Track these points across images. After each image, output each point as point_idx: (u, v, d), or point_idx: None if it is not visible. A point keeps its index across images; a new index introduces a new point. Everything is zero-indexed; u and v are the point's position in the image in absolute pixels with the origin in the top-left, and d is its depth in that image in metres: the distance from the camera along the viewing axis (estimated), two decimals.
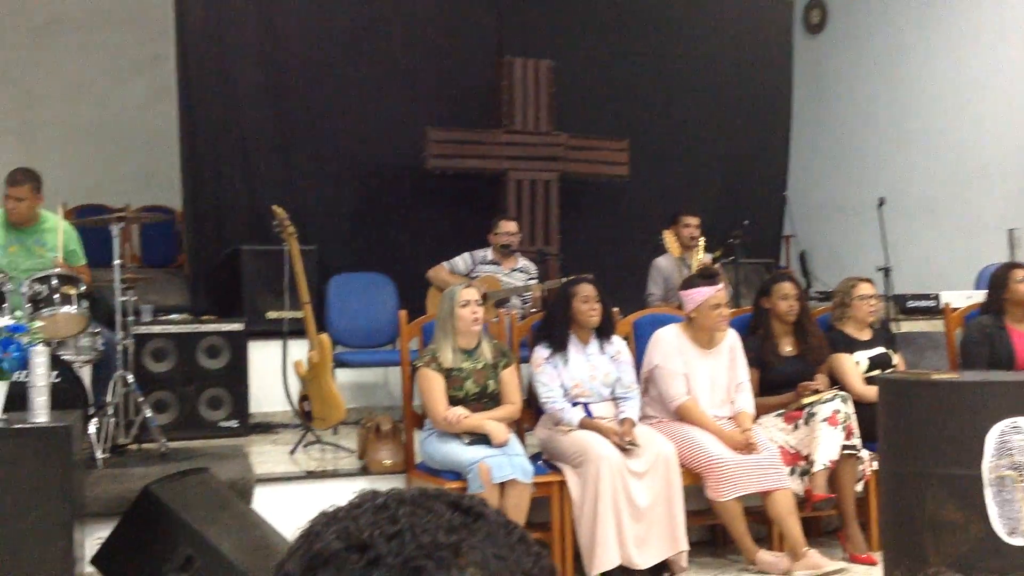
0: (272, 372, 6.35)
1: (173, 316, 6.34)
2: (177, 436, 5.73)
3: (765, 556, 4.75)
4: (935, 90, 8.76)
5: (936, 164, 8.69)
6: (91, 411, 5.05)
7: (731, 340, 5.12)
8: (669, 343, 5.03)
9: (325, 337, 5.63)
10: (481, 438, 4.62)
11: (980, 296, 5.82)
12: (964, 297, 6.11)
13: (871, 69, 9.31)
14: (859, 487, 5.03)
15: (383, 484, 5.11)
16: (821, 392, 5.09)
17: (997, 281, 5.51)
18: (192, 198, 7.41)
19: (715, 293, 4.98)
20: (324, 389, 5.51)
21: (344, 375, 6.49)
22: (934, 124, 8.76)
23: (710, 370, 5.04)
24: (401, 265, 7.20)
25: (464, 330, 4.78)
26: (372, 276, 7.10)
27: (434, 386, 4.71)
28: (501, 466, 4.50)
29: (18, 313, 4.30)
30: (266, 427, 6.50)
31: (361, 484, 4.98)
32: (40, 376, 4.09)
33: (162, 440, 5.20)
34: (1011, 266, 5.63)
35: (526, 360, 5.21)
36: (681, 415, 4.96)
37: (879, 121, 9.23)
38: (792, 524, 4.74)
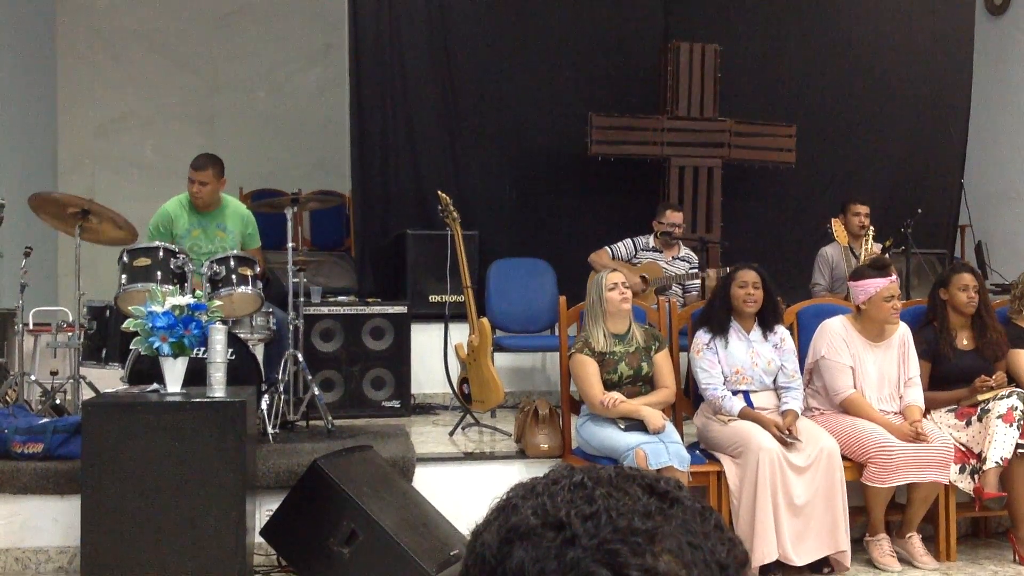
0: (433, 354, 6.49)
1: (340, 298, 6.56)
2: (342, 414, 5.94)
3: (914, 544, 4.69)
4: None
5: None
6: (264, 388, 5.28)
7: (902, 333, 4.95)
8: (836, 334, 4.90)
9: (485, 321, 5.72)
10: (637, 424, 4.61)
11: None
12: None
13: None
14: None
15: (540, 468, 5.22)
16: (997, 388, 4.87)
17: None
18: (361, 183, 7.63)
19: (888, 285, 4.83)
20: (483, 372, 5.61)
21: (503, 359, 6.58)
22: None
23: (879, 363, 4.89)
24: (561, 251, 7.24)
25: (613, 312, 4.78)
26: (532, 262, 7.16)
27: (588, 371, 4.73)
28: (658, 452, 4.48)
29: (198, 293, 4.53)
30: (427, 408, 6.65)
31: (518, 468, 5.10)
32: (218, 353, 4.30)
33: (328, 418, 5.39)
34: None
35: (685, 349, 5.16)
36: (846, 408, 4.83)
37: None
38: (920, 510, 4.74)
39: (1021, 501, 4.79)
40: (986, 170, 9.24)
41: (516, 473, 5.05)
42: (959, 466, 4.75)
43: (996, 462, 4.67)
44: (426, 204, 7.35)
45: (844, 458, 4.65)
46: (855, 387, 4.84)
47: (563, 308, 5.24)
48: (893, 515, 4.82)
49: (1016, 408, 4.72)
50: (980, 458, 4.74)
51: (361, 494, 4.16)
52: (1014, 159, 9.08)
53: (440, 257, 6.24)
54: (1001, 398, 4.78)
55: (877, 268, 4.90)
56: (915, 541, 4.73)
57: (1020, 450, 4.70)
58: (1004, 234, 8.87)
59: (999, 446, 4.68)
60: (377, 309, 6.46)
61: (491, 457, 5.21)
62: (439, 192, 5.95)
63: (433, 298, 6.88)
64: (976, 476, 4.74)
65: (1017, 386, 4.93)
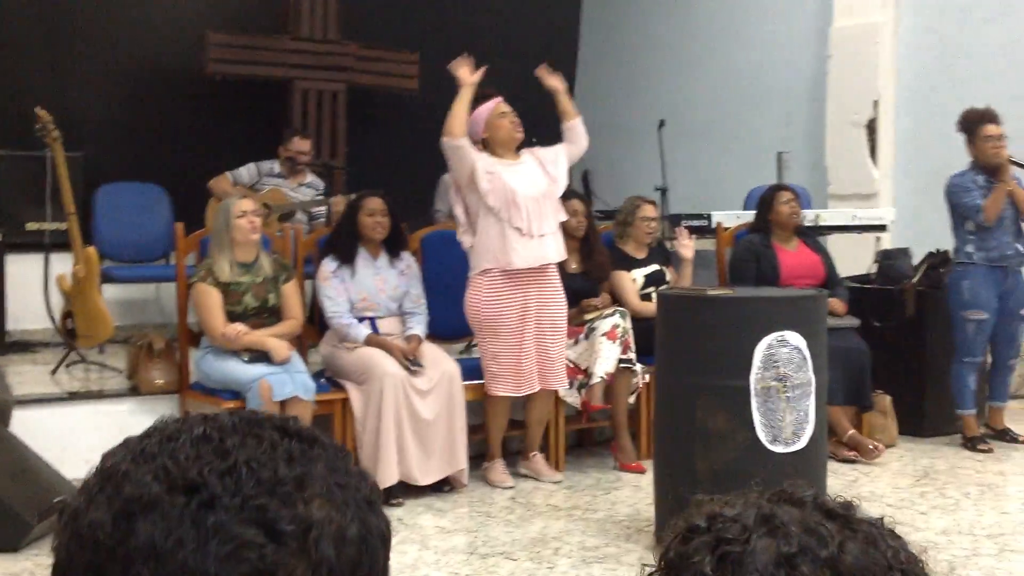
0: (32, 287, 5.92)
1: None
2: None
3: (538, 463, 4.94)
4: (714, 13, 9.01)
5: (713, 88, 8.97)
6: None
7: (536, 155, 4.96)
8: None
9: (92, 250, 5.30)
10: (261, 355, 4.49)
11: (748, 216, 6.07)
12: (734, 217, 6.35)
13: None
14: (632, 399, 5.21)
15: (155, 405, 4.92)
16: (602, 308, 5.22)
17: (764, 202, 5.76)
18: None
19: (495, 104, 4.91)
20: (90, 305, 5.20)
21: (112, 291, 6.14)
22: (712, 49, 9.02)
23: (523, 176, 4.82)
24: (178, 176, 6.84)
25: (242, 242, 4.60)
26: (145, 186, 6.74)
27: (211, 301, 4.52)
28: (282, 383, 4.39)
29: None
30: (24, 346, 6.10)
31: (130, 405, 4.81)
32: None
33: None
34: (777, 188, 5.89)
35: (311, 276, 5.08)
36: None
37: (662, 44, 9.42)
38: (537, 431, 5.02)
39: (622, 412, 5.19)
40: (593, 104, 9.82)
41: (128, 411, 4.77)
42: (569, 381, 5.05)
43: (601, 377, 5.02)
44: (22, 121, 6.62)
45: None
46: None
47: (180, 236, 4.97)
48: (513, 432, 5.06)
49: (619, 326, 5.09)
50: (587, 374, 5.07)
51: None
52: (618, 94, 9.71)
53: (38, 180, 5.69)
54: (605, 317, 5.12)
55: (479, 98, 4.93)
56: (538, 459, 5.00)
57: (622, 365, 5.09)
58: (608, 163, 9.49)
59: (604, 362, 5.03)
60: None
61: (100, 396, 4.91)
62: (36, 109, 5.41)
63: (31, 226, 6.26)
64: (583, 391, 5.07)
65: (620, 306, 5.30)
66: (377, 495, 0.78)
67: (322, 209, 6.46)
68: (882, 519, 0.79)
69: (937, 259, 5.95)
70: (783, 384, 3.78)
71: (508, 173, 4.77)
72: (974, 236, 5.52)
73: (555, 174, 4.89)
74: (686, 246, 5.59)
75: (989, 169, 5.46)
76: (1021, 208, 5.51)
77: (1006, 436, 5.61)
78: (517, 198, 4.69)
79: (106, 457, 0.74)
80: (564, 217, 4.92)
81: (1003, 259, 5.51)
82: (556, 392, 4.97)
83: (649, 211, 5.62)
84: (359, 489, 0.75)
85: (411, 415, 4.63)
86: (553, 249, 4.81)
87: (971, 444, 5.49)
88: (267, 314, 4.67)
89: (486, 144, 4.85)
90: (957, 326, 5.56)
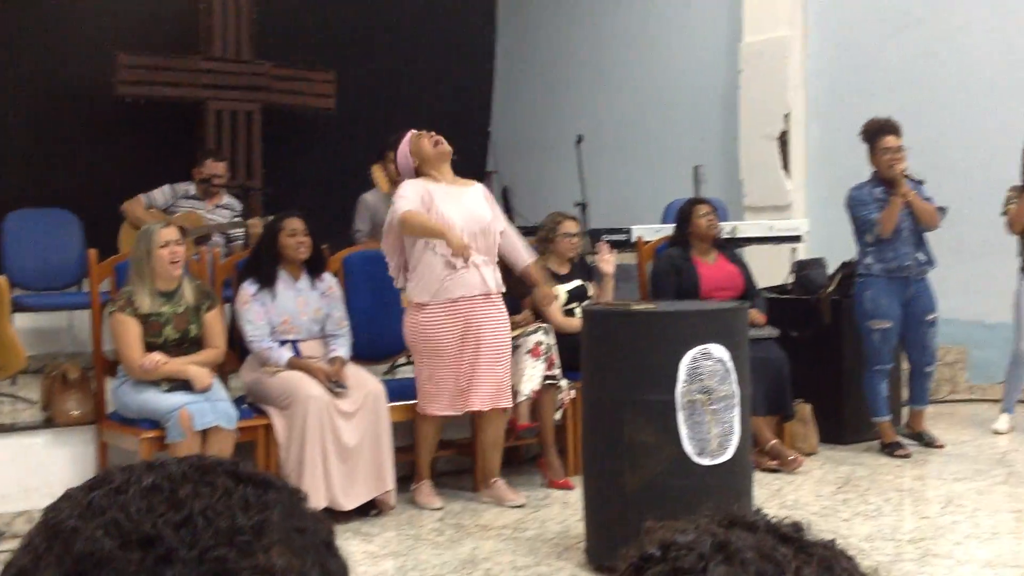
0: None
1: None
2: None
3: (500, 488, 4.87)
4: (628, 30, 9.12)
5: (629, 104, 9.07)
6: None
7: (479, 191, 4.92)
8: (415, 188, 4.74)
9: (2, 279, 5.14)
10: (181, 384, 4.39)
11: (668, 230, 6.14)
12: (654, 231, 6.41)
13: (570, 8, 9.55)
14: (558, 415, 5.22)
15: (71, 437, 4.79)
16: (524, 325, 5.22)
17: (683, 216, 5.83)
18: None
19: (408, 135, 4.82)
20: (0, 336, 5.04)
21: (23, 320, 5.96)
22: (627, 65, 9.13)
23: (464, 204, 4.76)
24: (90, 200, 6.67)
25: (163, 272, 4.50)
26: (55, 212, 6.56)
27: (129, 334, 4.41)
28: (203, 412, 4.31)
29: None
30: None
31: (45, 438, 4.68)
32: None
33: None
34: (695, 201, 5.97)
35: (230, 300, 4.99)
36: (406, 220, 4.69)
37: (578, 60, 9.50)
38: (493, 455, 4.92)
39: (549, 429, 5.19)
40: (511, 120, 9.86)
41: (43, 444, 4.63)
42: None
43: (527, 394, 5.02)
44: None
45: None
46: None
47: (93, 262, 4.85)
48: (441, 453, 5.02)
49: (543, 343, 5.09)
50: (513, 392, 5.06)
51: None
52: (536, 110, 9.77)
53: None
54: (528, 334, 5.12)
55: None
56: (500, 484, 4.91)
57: (548, 381, 5.09)
58: (528, 180, 9.53)
59: (529, 379, 5.03)
60: None
61: (12, 429, 4.75)
62: None
63: None
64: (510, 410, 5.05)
65: (543, 322, 5.31)
66: (333, 537, 0.76)
67: (240, 231, 6.36)
68: (833, 541, 0.79)
69: (851, 268, 6.07)
70: (708, 397, 3.82)
71: (448, 201, 4.68)
72: (873, 248, 5.63)
73: (495, 212, 4.88)
74: (607, 261, 5.63)
75: (887, 181, 5.58)
76: (920, 218, 5.61)
77: (924, 439, 5.74)
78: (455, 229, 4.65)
79: (50, 512, 0.70)
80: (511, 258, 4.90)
81: (902, 269, 5.62)
82: (505, 412, 4.91)
83: (570, 227, 5.65)
84: (317, 533, 0.73)
85: (335, 439, 4.57)
86: (492, 279, 4.75)
87: (889, 450, 5.61)
88: (187, 344, 4.57)
89: (419, 172, 4.81)
90: (864, 336, 5.68)
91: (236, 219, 6.40)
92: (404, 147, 4.81)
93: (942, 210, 5.67)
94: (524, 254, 4.98)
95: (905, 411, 5.97)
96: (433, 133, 4.81)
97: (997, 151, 6.77)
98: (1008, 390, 6.07)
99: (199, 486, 0.70)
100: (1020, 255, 5.93)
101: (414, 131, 4.84)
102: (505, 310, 4.86)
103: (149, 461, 0.75)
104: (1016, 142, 6.06)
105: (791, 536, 0.78)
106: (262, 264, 4.80)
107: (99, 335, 4.76)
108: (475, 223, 4.71)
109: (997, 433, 5.97)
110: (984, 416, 6.39)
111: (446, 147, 4.79)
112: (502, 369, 4.78)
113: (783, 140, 7.89)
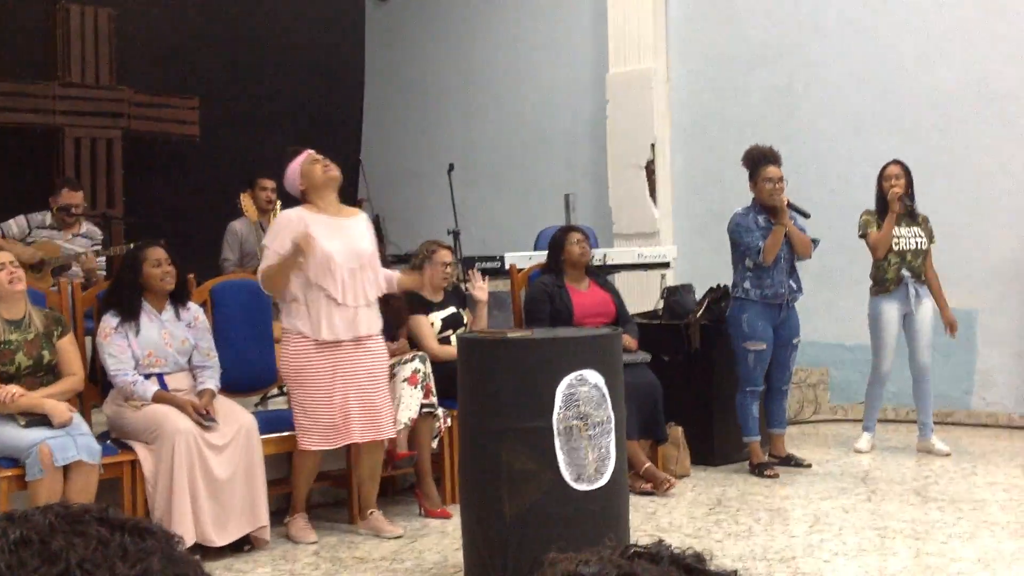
0: None
1: None
2: None
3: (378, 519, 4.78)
4: (498, 60, 9.21)
5: (500, 133, 9.16)
6: None
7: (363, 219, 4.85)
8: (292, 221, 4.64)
9: None
10: (40, 418, 4.19)
11: (540, 257, 6.19)
12: (526, 258, 6.46)
13: (439, 39, 9.59)
14: (435, 444, 5.18)
15: None
16: (400, 354, 5.18)
17: (555, 243, 5.89)
18: None
19: (305, 155, 4.78)
20: None
21: None
22: (496, 95, 9.22)
23: (345, 236, 4.67)
24: None
25: (5, 297, 4.30)
26: None
27: None
28: (64, 447, 4.11)
29: None
30: None
31: None
32: None
33: None
34: (567, 229, 6.05)
35: (92, 333, 4.80)
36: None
37: (447, 90, 9.55)
38: (370, 487, 4.84)
39: (426, 457, 5.14)
40: (383, 149, 9.83)
41: None
42: None
43: (405, 423, 4.97)
44: None
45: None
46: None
47: None
48: (317, 484, 4.92)
49: (419, 371, 5.06)
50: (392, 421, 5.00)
51: None
52: (407, 139, 9.76)
53: None
54: (405, 362, 5.08)
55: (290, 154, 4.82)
56: (377, 516, 4.82)
57: (425, 409, 5.05)
58: (400, 208, 9.50)
59: (407, 407, 4.98)
60: None
61: None
62: None
63: None
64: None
65: (418, 350, 5.27)
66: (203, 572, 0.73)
67: (101, 260, 6.15)
68: (736, 572, 0.79)
69: (718, 293, 6.24)
70: (584, 423, 3.84)
71: (327, 235, 4.59)
72: (751, 273, 5.81)
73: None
74: (480, 288, 5.63)
75: (768, 208, 5.76)
76: (796, 249, 5.82)
77: (791, 462, 5.90)
78: (332, 265, 4.57)
79: None
80: (383, 290, 4.82)
81: (777, 296, 5.81)
82: (383, 444, 4.84)
83: (444, 256, 5.64)
84: (198, 571, 0.71)
85: (205, 473, 4.42)
86: (365, 322, 4.67)
87: (758, 470, 5.75)
88: (43, 372, 4.37)
89: (304, 196, 4.72)
90: (739, 357, 5.83)
91: (96, 247, 6.18)
92: (296, 165, 4.72)
93: (815, 241, 5.88)
94: (390, 273, 4.93)
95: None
96: (329, 162, 4.74)
97: (850, 179, 7.08)
98: (868, 409, 6.31)
99: (71, 536, 0.66)
100: (872, 278, 6.19)
101: (312, 152, 4.76)
102: (383, 343, 4.80)
103: (7, 512, 0.70)
104: (868, 170, 6.33)
105: (694, 567, 0.78)
106: (123, 295, 4.62)
107: None
108: (355, 258, 4.64)
109: (859, 452, 6.19)
110: (847, 435, 6.62)
111: (335, 172, 4.73)
112: (380, 400, 4.71)
113: (650, 169, 8.06)
